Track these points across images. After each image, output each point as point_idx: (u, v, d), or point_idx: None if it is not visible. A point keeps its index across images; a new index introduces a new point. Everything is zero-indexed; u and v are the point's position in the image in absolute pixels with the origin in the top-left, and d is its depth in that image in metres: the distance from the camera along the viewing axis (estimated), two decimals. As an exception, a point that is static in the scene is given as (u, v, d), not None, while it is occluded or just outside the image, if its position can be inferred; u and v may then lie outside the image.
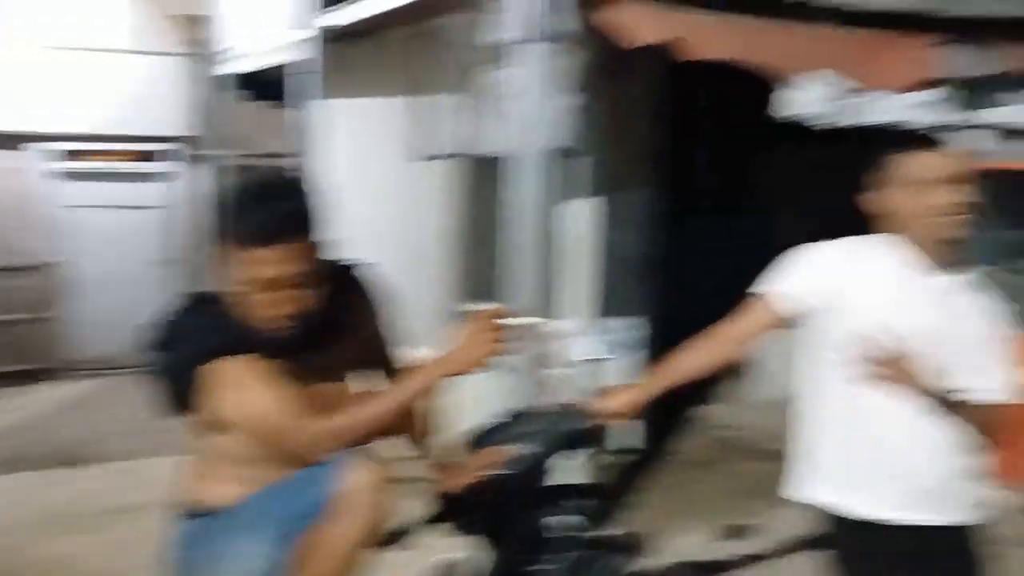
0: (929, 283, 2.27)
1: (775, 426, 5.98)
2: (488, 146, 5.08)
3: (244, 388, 1.89)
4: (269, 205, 1.89)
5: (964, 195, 2.22)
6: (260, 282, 1.87)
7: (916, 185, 2.23)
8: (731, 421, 6.64)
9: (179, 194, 8.66)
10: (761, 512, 4.75)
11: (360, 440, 1.91)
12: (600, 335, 2.57)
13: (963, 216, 2.22)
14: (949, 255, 2.29)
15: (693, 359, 2.44)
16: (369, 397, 1.97)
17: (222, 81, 7.53)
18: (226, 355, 1.89)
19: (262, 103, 8.68)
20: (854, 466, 2.31)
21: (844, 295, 2.30)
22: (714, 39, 4.31)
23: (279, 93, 8.14)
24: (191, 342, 1.91)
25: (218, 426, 1.96)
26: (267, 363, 1.92)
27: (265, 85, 8.00)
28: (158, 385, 1.95)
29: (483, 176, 5.80)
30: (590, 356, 2.53)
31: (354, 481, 1.84)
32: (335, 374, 2.07)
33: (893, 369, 2.18)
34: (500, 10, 4.85)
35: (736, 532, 4.62)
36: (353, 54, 6.53)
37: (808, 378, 2.41)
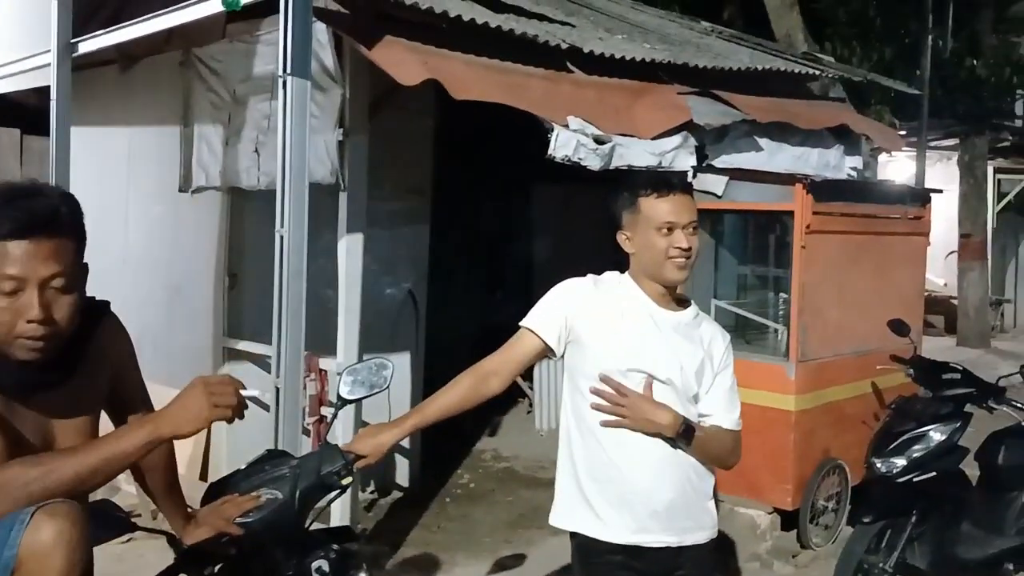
0: (665, 317, 2.43)
1: (548, 454, 6.18)
2: (252, 179, 4.96)
3: None
4: (19, 201, 1.73)
5: (688, 238, 2.38)
6: (5, 280, 1.68)
7: (645, 228, 2.39)
8: (506, 452, 6.76)
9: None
10: (534, 542, 4.86)
11: (57, 494, 1.65)
12: (364, 372, 2.54)
13: (684, 258, 2.38)
14: (676, 291, 2.47)
15: (455, 393, 2.47)
16: (79, 446, 1.76)
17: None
18: None
19: (8, 130, 8.08)
20: (602, 493, 2.41)
21: (587, 330, 2.43)
22: (477, 81, 4.42)
23: (31, 120, 7.62)
24: None
25: None
26: None
27: (14, 110, 7.46)
28: None
29: (248, 210, 5.65)
30: (353, 394, 2.50)
31: (44, 539, 1.58)
32: (75, 412, 1.89)
33: (627, 410, 2.34)
34: (266, 42, 4.78)
35: (509, 563, 4.69)
36: (108, 82, 6.21)
37: (567, 408, 2.50)
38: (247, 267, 5.68)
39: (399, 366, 2.59)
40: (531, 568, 4.53)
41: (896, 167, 13.03)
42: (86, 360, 1.90)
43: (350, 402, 2.54)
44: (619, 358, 2.39)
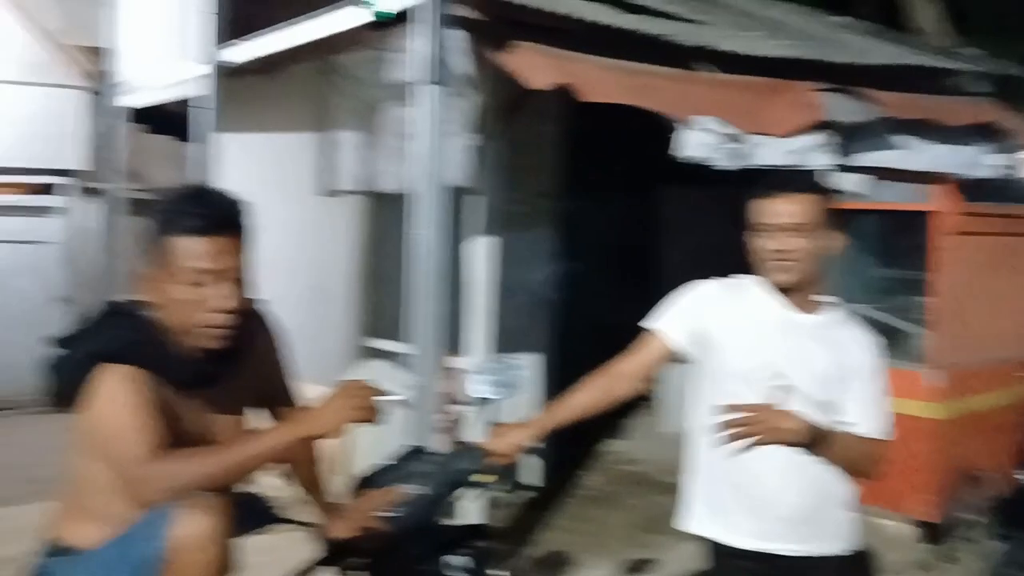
0: (795, 319, 2.37)
1: (676, 459, 6.11)
2: (390, 183, 5.11)
3: (111, 400, 1.80)
4: (206, 202, 1.91)
5: (787, 240, 2.30)
6: (190, 272, 1.84)
7: (758, 229, 2.34)
8: (635, 455, 6.74)
9: (74, 228, 8.44)
10: (663, 546, 4.82)
11: (205, 488, 1.75)
12: (497, 372, 2.58)
13: (791, 262, 2.31)
14: (813, 293, 2.39)
15: (586, 395, 2.48)
16: (223, 445, 1.86)
17: (118, 114, 7.40)
18: (116, 361, 1.82)
19: (158, 137, 8.56)
20: (729, 497, 2.39)
21: (713, 332, 2.40)
22: (607, 83, 4.43)
23: (176, 127, 8.06)
24: (89, 342, 1.87)
25: (83, 439, 1.89)
26: (155, 382, 1.85)
27: (162, 119, 7.90)
28: (49, 381, 1.90)
29: (385, 213, 5.82)
30: (486, 394, 2.55)
31: (190, 533, 1.69)
32: (231, 408, 2.02)
33: (752, 426, 2.26)
34: (400, 50, 4.93)
35: (638, 567, 4.67)
36: (252, 89, 6.50)
37: (694, 411, 2.49)
38: (384, 268, 5.86)
39: (526, 368, 2.63)
40: (663, 573, 4.50)
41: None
42: (245, 356, 2.02)
43: (485, 402, 2.59)
44: (744, 361, 2.35)
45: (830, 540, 2.40)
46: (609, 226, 7.78)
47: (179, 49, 5.92)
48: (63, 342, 1.90)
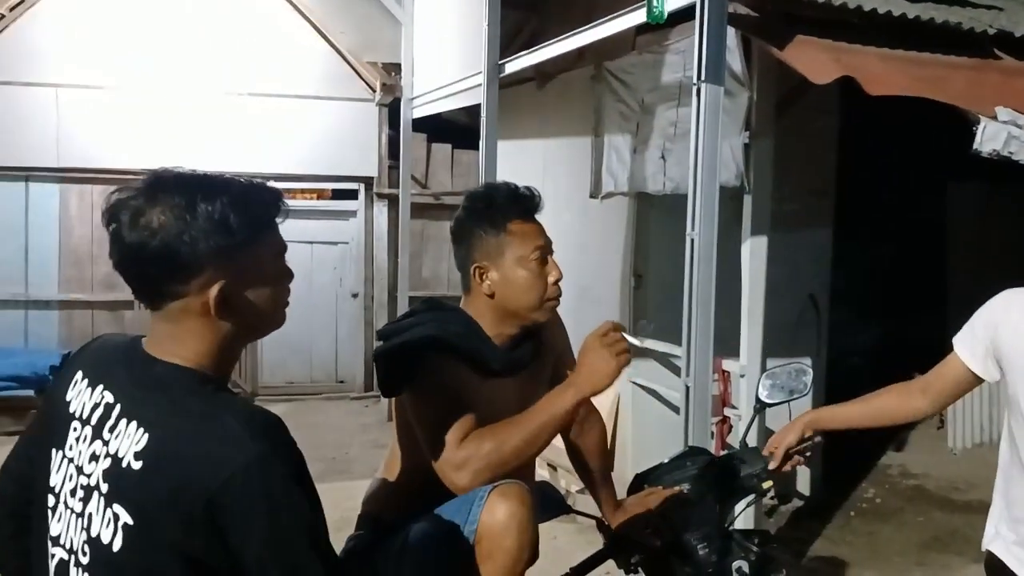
0: None
1: (963, 475, 5.72)
2: (659, 185, 5.13)
3: (433, 389, 1.92)
4: (517, 191, 2.12)
5: None
6: (532, 251, 2.05)
7: None
8: (916, 469, 6.34)
9: (366, 230, 9.18)
10: (954, 567, 4.53)
11: (511, 463, 1.83)
12: (787, 377, 2.53)
13: None
14: None
15: (876, 403, 2.33)
16: (517, 416, 1.88)
17: (407, 124, 7.95)
18: (438, 351, 1.96)
19: (439, 145, 9.13)
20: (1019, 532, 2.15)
21: (1009, 349, 2.12)
22: (894, 75, 4.21)
23: (460, 135, 8.54)
24: (415, 334, 2.01)
25: (402, 425, 2.04)
26: (472, 371, 1.99)
27: (446, 128, 8.41)
28: (377, 370, 2.07)
29: (654, 215, 5.86)
30: (774, 398, 2.50)
31: (499, 519, 1.75)
32: (536, 393, 2.06)
33: None
34: (675, 51, 4.94)
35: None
36: (528, 97, 6.76)
37: (1004, 430, 2.27)
38: (651, 268, 5.90)
39: (807, 371, 2.55)
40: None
41: None
42: (540, 345, 2.14)
43: (769, 406, 2.53)
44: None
45: None
46: (887, 226, 7.36)
47: (461, 63, 6.26)
48: (388, 335, 2.07)
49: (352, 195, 9.18)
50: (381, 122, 9.01)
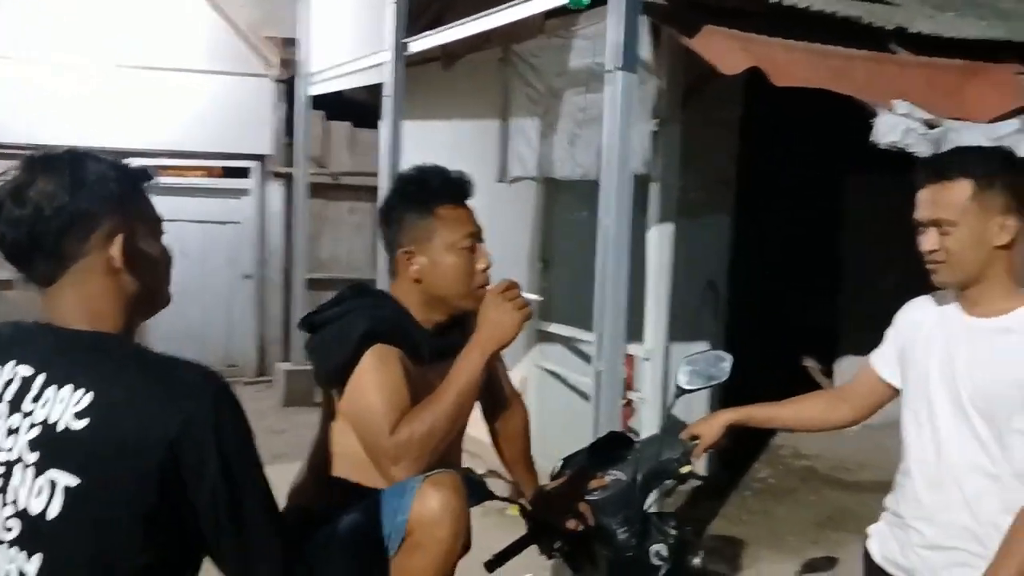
0: (968, 323, 2.02)
1: (852, 455, 5.91)
2: (567, 170, 5.13)
3: (369, 377, 1.87)
4: (446, 175, 2.07)
5: (931, 239, 1.97)
6: (462, 237, 2.01)
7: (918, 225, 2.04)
8: (807, 450, 6.55)
9: (259, 210, 8.91)
10: (846, 544, 4.68)
11: (444, 441, 1.83)
12: (704, 363, 2.56)
13: (935, 261, 1.97)
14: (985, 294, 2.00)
15: (801, 407, 2.40)
16: (433, 394, 1.87)
17: (303, 102, 7.74)
18: (375, 340, 1.90)
19: (341, 123, 8.94)
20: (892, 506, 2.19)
21: (904, 353, 2.16)
22: (800, 67, 4.30)
23: (359, 114, 8.37)
24: (345, 322, 1.95)
25: (337, 414, 1.98)
26: (404, 358, 1.93)
27: (345, 106, 8.23)
28: (311, 360, 2.02)
29: (562, 200, 5.86)
30: (692, 384, 2.52)
31: (432, 509, 1.71)
32: None
33: None
34: (583, 37, 4.93)
35: (824, 564, 4.55)
36: (433, 78, 6.66)
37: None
38: (558, 253, 5.90)
39: (719, 358, 2.58)
40: (843, 572, 4.38)
41: None
42: (467, 331, 2.09)
43: (688, 391, 2.55)
44: (913, 377, 2.10)
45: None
46: (788, 215, 7.56)
47: (364, 40, 6.13)
48: (318, 324, 2.00)
49: (244, 173, 8.89)
50: (277, 99, 8.76)
